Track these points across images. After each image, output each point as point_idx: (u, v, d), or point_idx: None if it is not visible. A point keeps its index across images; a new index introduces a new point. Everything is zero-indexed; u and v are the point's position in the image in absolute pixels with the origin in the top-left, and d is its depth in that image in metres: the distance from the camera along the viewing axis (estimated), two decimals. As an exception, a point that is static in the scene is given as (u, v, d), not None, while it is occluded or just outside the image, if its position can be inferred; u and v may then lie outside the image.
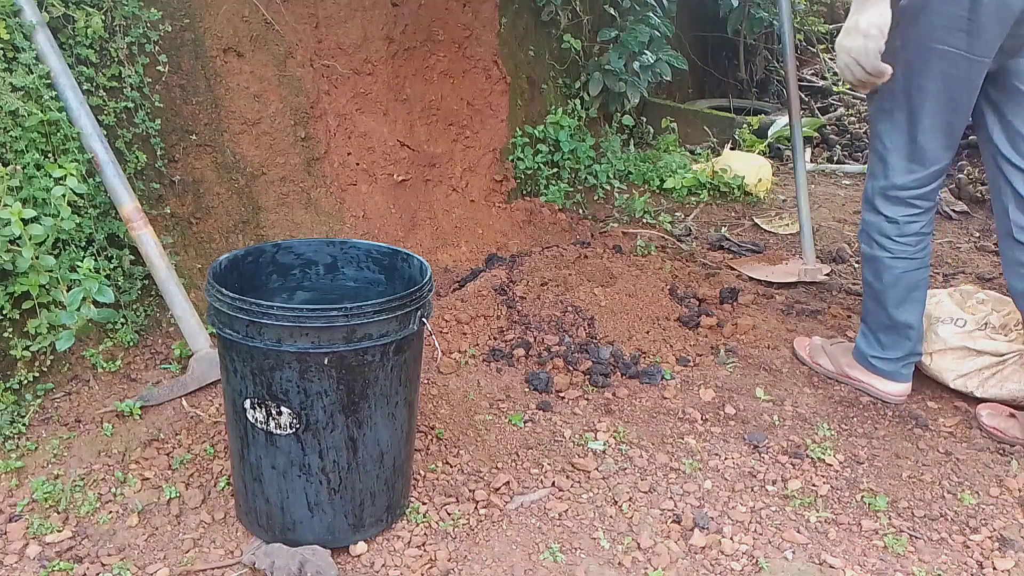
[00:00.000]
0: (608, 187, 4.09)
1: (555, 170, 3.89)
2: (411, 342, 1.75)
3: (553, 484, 2.05)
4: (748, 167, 4.34)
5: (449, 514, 1.93)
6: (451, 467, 2.10)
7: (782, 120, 4.95)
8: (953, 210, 4.20)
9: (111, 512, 1.89)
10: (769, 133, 4.97)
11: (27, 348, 2.14)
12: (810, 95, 6.19)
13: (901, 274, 2.32)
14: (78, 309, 2.03)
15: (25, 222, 1.97)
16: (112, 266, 2.35)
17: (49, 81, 2.20)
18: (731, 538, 1.89)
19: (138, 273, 2.43)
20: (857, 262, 3.56)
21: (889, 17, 2.03)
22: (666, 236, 3.69)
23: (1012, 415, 2.31)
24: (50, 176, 2.07)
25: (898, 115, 2.19)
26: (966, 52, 2.04)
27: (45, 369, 2.22)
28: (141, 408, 2.19)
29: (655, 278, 3.03)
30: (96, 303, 2.07)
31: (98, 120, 2.31)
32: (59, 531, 1.83)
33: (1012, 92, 2.12)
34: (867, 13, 2.04)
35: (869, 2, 2.03)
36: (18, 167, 2.08)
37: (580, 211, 3.86)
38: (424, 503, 1.96)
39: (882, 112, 2.23)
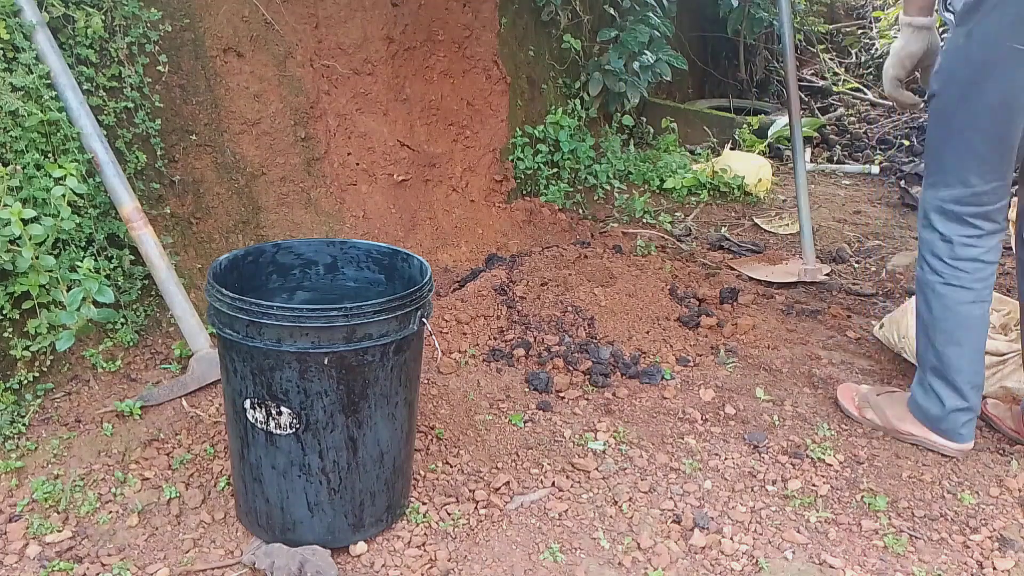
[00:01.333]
0: (608, 187, 4.09)
1: (555, 170, 3.89)
2: (411, 342, 1.75)
3: (553, 484, 2.05)
4: (748, 167, 4.34)
5: (449, 514, 1.93)
6: (451, 467, 2.10)
7: (782, 120, 4.96)
8: (953, 210, 4.19)
9: (111, 512, 1.89)
10: (769, 133, 4.97)
11: (27, 348, 2.14)
12: (810, 95, 6.20)
13: (953, 305, 2.06)
14: (78, 309, 2.03)
15: (25, 222, 1.97)
16: (112, 266, 2.35)
17: (49, 81, 2.20)
18: (731, 538, 1.89)
19: (138, 273, 2.43)
20: (857, 262, 3.56)
21: (913, 48, 2.04)
22: (666, 236, 3.69)
23: (1011, 407, 2.32)
24: (50, 176, 2.08)
25: (956, 121, 1.97)
26: None
27: (45, 369, 2.22)
28: (141, 408, 2.19)
29: (655, 278, 3.03)
30: (96, 303, 2.07)
31: (98, 120, 2.31)
32: (59, 531, 1.83)
33: None
34: (898, 40, 2.07)
35: (902, 30, 2.00)
36: (18, 167, 2.08)
37: (580, 211, 3.86)
38: (424, 503, 1.96)
39: (938, 116, 2.02)
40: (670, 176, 4.29)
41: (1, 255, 1.97)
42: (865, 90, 6.24)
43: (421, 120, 3.38)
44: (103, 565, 1.76)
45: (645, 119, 4.89)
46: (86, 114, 2.25)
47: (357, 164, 3.13)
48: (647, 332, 2.73)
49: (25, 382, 2.17)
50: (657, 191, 4.27)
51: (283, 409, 1.66)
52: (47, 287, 2.09)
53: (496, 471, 2.09)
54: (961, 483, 2.10)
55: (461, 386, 2.43)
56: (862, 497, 2.04)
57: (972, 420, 2.15)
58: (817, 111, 5.89)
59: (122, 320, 2.40)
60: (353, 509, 1.78)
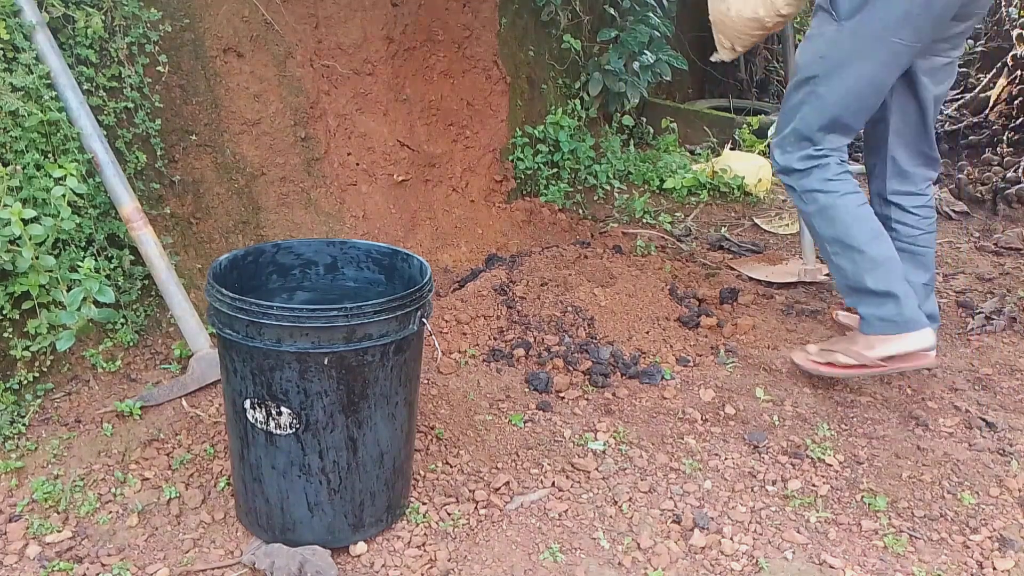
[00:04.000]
0: (608, 187, 4.09)
1: (555, 170, 3.89)
2: (411, 342, 1.75)
3: (553, 484, 2.05)
4: (748, 167, 4.34)
5: (449, 514, 1.93)
6: (451, 467, 2.10)
7: (782, 120, 4.94)
8: (953, 210, 4.20)
9: (111, 512, 1.89)
10: (769, 133, 4.96)
11: (27, 348, 2.14)
12: (810, 95, 6.18)
13: (857, 208, 2.35)
14: (78, 309, 2.03)
15: (25, 222, 1.97)
16: (112, 266, 2.35)
17: (49, 81, 2.20)
18: (731, 538, 1.89)
19: (138, 273, 2.43)
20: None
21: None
22: (666, 236, 3.69)
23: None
24: (50, 176, 2.07)
25: (832, 103, 2.31)
26: (910, 43, 2.22)
27: (45, 369, 2.22)
28: (141, 408, 2.19)
29: (655, 278, 3.03)
30: (96, 303, 2.06)
31: (98, 120, 2.31)
32: (59, 531, 1.83)
33: (917, 85, 2.39)
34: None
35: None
36: (18, 167, 2.08)
37: (580, 211, 3.86)
38: (424, 503, 1.96)
39: (815, 98, 2.33)
40: (670, 176, 4.29)
41: (1, 255, 1.97)
42: (865, 90, 6.24)
43: (421, 120, 3.38)
44: (103, 565, 1.76)
45: (645, 119, 4.89)
46: (86, 114, 2.25)
47: (357, 164, 3.13)
48: (647, 332, 2.73)
49: (25, 382, 2.17)
50: (657, 191, 4.27)
51: (283, 409, 1.66)
52: (47, 287, 2.09)
53: (496, 471, 2.09)
54: (961, 483, 2.10)
55: (461, 386, 2.43)
56: (862, 497, 2.04)
57: (916, 300, 2.38)
58: (817, 111, 5.87)
59: (122, 320, 2.40)
60: (353, 509, 1.78)
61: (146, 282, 2.45)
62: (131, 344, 2.40)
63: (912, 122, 2.47)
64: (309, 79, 2.94)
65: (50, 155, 2.20)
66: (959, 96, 5.82)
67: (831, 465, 2.15)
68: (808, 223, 2.47)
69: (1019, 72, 5.29)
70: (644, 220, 3.87)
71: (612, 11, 4.26)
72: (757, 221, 4.02)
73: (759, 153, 4.77)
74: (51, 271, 2.07)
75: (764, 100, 5.97)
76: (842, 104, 2.32)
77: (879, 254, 2.34)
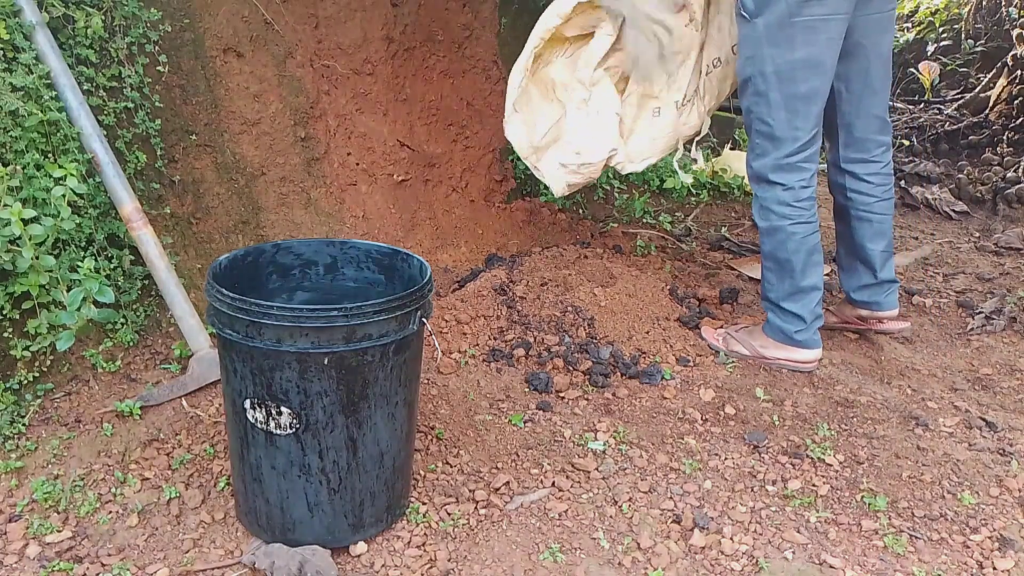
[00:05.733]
0: (608, 187, 4.09)
1: (555, 170, 3.88)
2: (411, 342, 1.75)
3: (553, 484, 2.05)
4: (748, 167, 4.33)
5: (449, 514, 1.93)
6: (451, 467, 2.10)
7: (782, 120, 4.94)
8: (953, 210, 4.20)
9: (111, 512, 1.89)
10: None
11: (27, 348, 2.14)
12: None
13: (803, 239, 2.47)
14: (78, 309, 2.03)
15: (25, 222, 1.97)
16: (112, 266, 2.35)
17: (49, 81, 2.20)
18: (731, 538, 1.89)
19: (138, 273, 2.43)
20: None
21: None
22: (666, 236, 3.69)
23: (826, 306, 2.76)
24: (50, 176, 2.08)
25: (773, 94, 2.37)
26: (826, 15, 2.27)
27: (45, 369, 2.22)
28: (141, 408, 2.19)
29: (655, 278, 3.03)
30: (96, 303, 2.07)
31: (98, 120, 2.31)
32: (59, 531, 1.83)
33: (854, 46, 2.41)
34: None
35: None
36: (18, 167, 2.08)
37: (580, 211, 3.86)
38: (424, 503, 1.96)
39: (758, 96, 2.41)
40: (670, 176, 4.29)
41: (1, 255, 1.97)
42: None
43: (421, 120, 3.38)
44: (103, 565, 1.76)
45: (645, 119, 4.88)
46: (86, 114, 2.25)
47: (357, 164, 3.13)
48: (647, 332, 2.73)
49: (25, 382, 2.17)
50: (657, 191, 4.27)
51: (283, 409, 1.66)
52: (47, 287, 2.09)
53: (496, 471, 2.09)
54: (961, 483, 2.10)
55: (461, 386, 2.43)
56: (862, 497, 2.04)
57: (819, 325, 2.58)
58: (817, 111, 5.87)
59: (122, 320, 2.40)
60: (353, 509, 1.78)
61: (146, 282, 2.45)
62: (131, 344, 2.40)
63: (858, 87, 2.50)
64: (309, 79, 2.94)
65: (50, 155, 2.20)
66: (959, 96, 5.82)
67: (831, 465, 2.15)
68: (760, 232, 2.58)
69: (1019, 72, 5.30)
70: (644, 220, 3.87)
71: (612, 11, 4.25)
72: (757, 221, 4.02)
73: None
74: (51, 271, 2.07)
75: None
76: (786, 94, 2.36)
77: (807, 284, 2.50)
